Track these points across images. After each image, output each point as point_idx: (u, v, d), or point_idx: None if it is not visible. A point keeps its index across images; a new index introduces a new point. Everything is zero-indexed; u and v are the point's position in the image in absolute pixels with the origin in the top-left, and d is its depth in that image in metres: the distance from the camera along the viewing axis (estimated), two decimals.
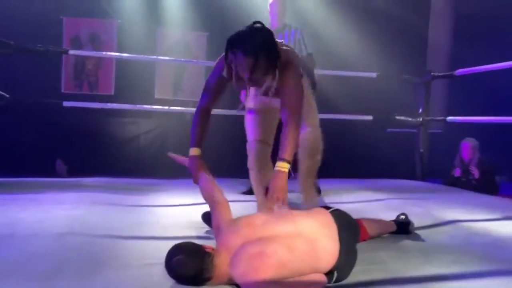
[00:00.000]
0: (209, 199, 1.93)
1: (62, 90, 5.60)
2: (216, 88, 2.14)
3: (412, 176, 4.41)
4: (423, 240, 2.25)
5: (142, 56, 4.86)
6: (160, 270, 1.61)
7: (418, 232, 2.36)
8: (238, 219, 1.74)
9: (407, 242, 2.20)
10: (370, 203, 3.20)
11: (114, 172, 4.50)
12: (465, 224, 2.59)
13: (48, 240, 1.94)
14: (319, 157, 2.50)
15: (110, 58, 5.65)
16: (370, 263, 1.88)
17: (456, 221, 2.64)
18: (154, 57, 5.27)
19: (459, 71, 4.10)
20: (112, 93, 5.74)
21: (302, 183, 2.52)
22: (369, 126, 5.17)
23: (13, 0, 5.16)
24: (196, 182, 2.07)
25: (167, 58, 5.34)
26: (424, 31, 6.41)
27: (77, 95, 5.40)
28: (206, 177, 2.03)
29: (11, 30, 4.76)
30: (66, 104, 3.77)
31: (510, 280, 1.73)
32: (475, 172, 4.46)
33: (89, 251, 1.84)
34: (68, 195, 2.92)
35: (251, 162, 2.43)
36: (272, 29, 3.33)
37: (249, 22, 1.98)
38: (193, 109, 2.25)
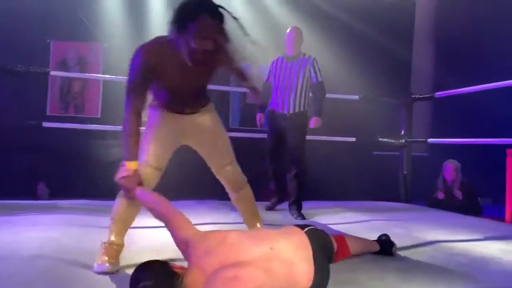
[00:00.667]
0: (161, 213, 1.76)
1: (48, 113, 5.57)
2: (144, 86, 1.93)
3: (397, 199, 4.40)
4: (402, 261, 2.23)
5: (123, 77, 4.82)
6: None
7: (399, 252, 2.34)
8: (211, 234, 1.64)
9: (386, 262, 2.17)
10: (354, 224, 3.18)
11: (97, 195, 4.43)
12: (447, 244, 2.58)
13: (17, 262, 1.89)
14: (248, 188, 2.36)
15: (97, 81, 5.66)
16: (347, 283, 1.85)
17: (437, 242, 2.63)
18: None
19: (439, 94, 4.16)
20: (99, 115, 5.72)
21: (249, 219, 2.39)
22: (354, 148, 5.19)
23: (0, 23, 5.17)
24: (132, 197, 1.89)
25: None
26: (408, 56, 6.53)
27: (62, 118, 5.37)
28: (145, 191, 1.89)
29: None
30: (45, 124, 3.75)
31: None
32: (458, 194, 4.46)
33: (57, 274, 1.78)
34: (43, 217, 2.85)
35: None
36: (286, 56, 3.53)
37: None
38: None
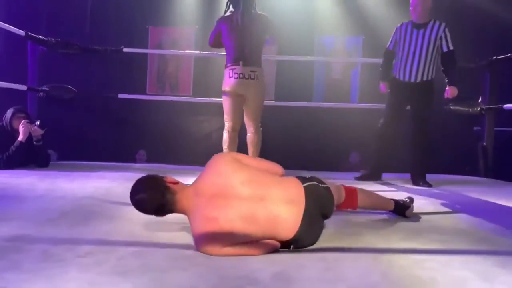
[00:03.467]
0: None
1: (147, 91, 6.25)
2: None
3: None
4: (417, 222, 2.16)
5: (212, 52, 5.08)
6: (142, 226, 1.88)
7: (423, 217, 2.26)
8: (243, 165, 1.73)
9: (398, 222, 2.15)
10: (389, 192, 3.08)
11: (184, 161, 4.86)
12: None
13: (65, 201, 2.31)
14: None
15: (188, 62, 6.17)
16: (348, 234, 1.91)
17: None
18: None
19: None
20: (191, 93, 6.23)
21: None
22: (455, 121, 4.79)
23: (108, 11, 5.94)
24: None
25: None
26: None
27: (160, 95, 5.99)
28: None
29: (105, 38, 5.54)
30: (120, 96, 4.46)
31: (476, 258, 1.63)
32: None
33: (89, 210, 2.16)
34: (113, 174, 3.32)
35: None
36: (414, 23, 3.38)
37: None
38: None
